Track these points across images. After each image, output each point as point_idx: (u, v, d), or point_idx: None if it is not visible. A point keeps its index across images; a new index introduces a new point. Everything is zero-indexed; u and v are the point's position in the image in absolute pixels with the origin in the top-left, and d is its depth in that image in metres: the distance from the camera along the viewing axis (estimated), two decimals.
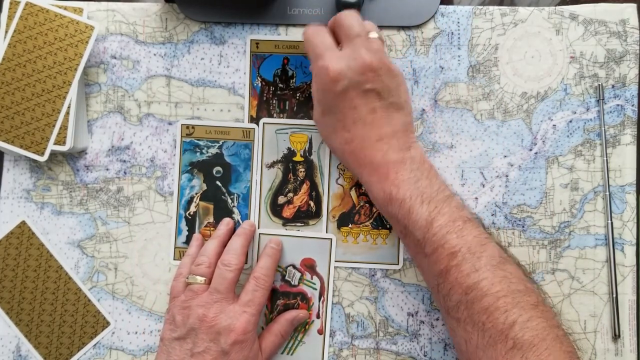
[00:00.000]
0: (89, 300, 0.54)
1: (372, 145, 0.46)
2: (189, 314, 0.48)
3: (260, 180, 0.55)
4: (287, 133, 0.55)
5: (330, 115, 0.48)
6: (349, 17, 0.47)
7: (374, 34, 0.47)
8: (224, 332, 0.46)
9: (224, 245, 0.52)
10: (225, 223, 0.54)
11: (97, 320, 0.54)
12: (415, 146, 0.47)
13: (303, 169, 0.55)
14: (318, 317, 0.54)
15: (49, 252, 0.55)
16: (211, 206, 0.55)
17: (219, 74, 0.56)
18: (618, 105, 0.54)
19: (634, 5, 0.55)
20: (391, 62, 0.47)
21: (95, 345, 0.54)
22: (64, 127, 0.52)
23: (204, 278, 0.49)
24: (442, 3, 0.55)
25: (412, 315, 0.54)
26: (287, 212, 0.55)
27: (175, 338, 0.48)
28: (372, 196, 0.47)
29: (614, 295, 0.53)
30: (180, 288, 0.50)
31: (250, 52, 0.56)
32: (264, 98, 0.56)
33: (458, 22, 0.55)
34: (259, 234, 0.55)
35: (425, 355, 0.54)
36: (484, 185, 0.55)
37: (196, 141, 0.55)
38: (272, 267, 0.51)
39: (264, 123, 0.55)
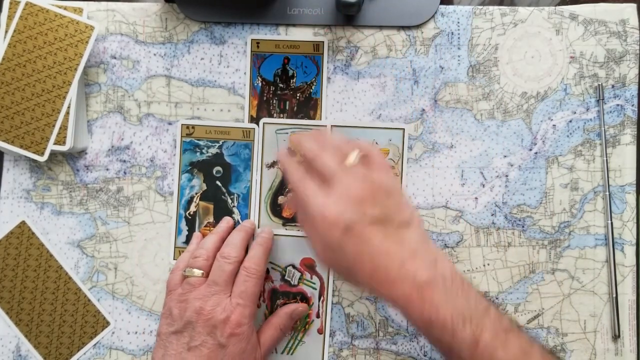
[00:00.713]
0: (89, 300, 0.54)
1: (397, 274, 0.42)
2: (186, 307, 0.47)
3: (260, 180, 0.55)
4: (287, 133, 0.55)
5: (342, 257, 0.43)
6: (321, 157, 0.44)
7: (352, 158, 0.44)
8: (220, 325, 0.46)
9: (223, 240, 0.52)
10: (226, 221, 0.54)
11: (97, 320, 0.54)
12: (440, 257, 0.44)
13: None
14: (318, 316, 0.54)
15: (49, 252, 0.55)
16: (211, 206, 0.55)
17: (219, 74, 0.56)
18: (618, 105, 0.55)
19: (634, 5, 0.55)
20: (381, 179, 0.44)
21: (95, 345, 0.54)
22: (64, 127, 0.52)
23: (202, 271, 0.49)
24: (442, 3, 0.55)
25: None
26: (287, 212, 0.55)
27: (172, 332, 0.47)
28: (411, 322, 0.44)
29: (614, 295, 0.53)
30: (177, 281, 0.50)
31: (251, 51, 0.56)
32: (264, 98, 0.56)
33: (458, 22, 0.55)
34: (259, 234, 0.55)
35: (425, 355, 0.54)
36: (484, 185, 0.55)
37: (196, 141, 0.55)
38: (263, 256, 0.50)
39: (264, 123, 0.55)
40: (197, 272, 0.49)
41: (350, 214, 0.42)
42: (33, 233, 0.55)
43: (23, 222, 0.55)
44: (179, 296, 0.48)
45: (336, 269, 0.45)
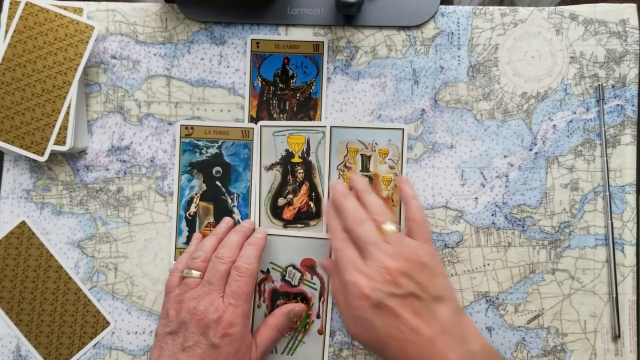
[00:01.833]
0: (89, 300, 0.54)
1: (428, 351, 0.42)
2: (181, 308, 0.47)
3: (260, 183, 0.55)
4: (284, 135, 0.55)
5: (372, 332, 0.44)
6: (360, 227, 0.46)
7: (388, 226, 0.46)
8: (213, 325, 0.46)
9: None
10: (226, 222, 0.54)
11: (97, 320, 0.54)
12: (471, 332, 0.44)
13: (302, 170, 0.55)
14: (318, 317, 0.54)
15: (49, 252, 0.55)
16: (211, 206, 0.55)
17: (219, 74, 0.56)
18: (618, 105, 0.54)
19: (634, 5, 0.55)
20: (417, 251, 0.45)
21: (95, 345, 0.54)
22: (64, 127, 0.52)
23: (199, 272, 0.49)
24: (442, 3, 0.55)
25: None
26: (288, 213, 0.55)
27: (168, 333, 0.47)
28: None
29: (614, 295, 0.53)
30: (175, 282, 0.50)
31: (251, 51, 0.56)
32: (264, 98, 0.56)
33: (458, 22, 0.55)
34: None
35: None
36: (484, 185, 0.55)
37: (195, 141, 0.55)
38: (254, 256, 0.50)
39: (261, 126, 0.55)
40: (195, 273, 0.49)
41: (382, 290, 0.43)
42: (33, 233, 0.55)
43: (23, 222, 0.55)
44: (175, 297, 0.48)
45: (366, 343, 0.45)
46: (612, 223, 0.53)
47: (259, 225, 0.55)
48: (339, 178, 0.55)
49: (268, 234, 0.54)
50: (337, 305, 0.47)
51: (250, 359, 0.48)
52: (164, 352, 0.47)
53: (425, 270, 0.44)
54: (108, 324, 0.54)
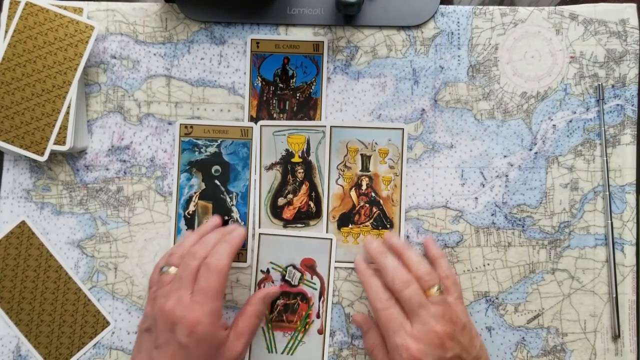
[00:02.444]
0: (89, 300, 0.54)
1: None
2: (155, 304, 0.46)
3: (260, 183, 0.55)
4: (284, 135, 0.55)
5: None
6: (407, 288, 0.46)
7: (434, 291, 0.47)
8: (179, 323, 0.43)
9: None
10: (212, 220, 0.53)
11: (97, 320, 0.54)
12: None
13: (302, 170, 0.55)
14: (318, 317, 0.54)
15: (49, 252, 0.55)
16: (210, 205, 0.55)
17: (219, 74, 0.56)
18: (618, 105, 0.54)
19: (634, 5, 0.55)
20: (458, 313, 0.47)
21: (95, 345, 0.54)
22: (63, 127, 0.52)
23: (176, 268, 0.47)
24: (442, 3, 0.55)
25: None
26: (287, 213, 0.55)
27: (145, 329, 0.46)
28: None
29: (614, 295, 0.53)
30: (154, 279, 0.49)
31: (251, 51, 0.56)
32: (264, 98, 0.56)
33: (458, 22, 0.55)
34: (259, 234, 0.54)
35: None
36: (484, 185, 0.55)
37: (195, 140, 0.55)
38: (227, 253, 0.47)
39: (261, 125, 0.55)
40: (172, 269, 0.47)
41: (432, 353, 0.44)
42: (33, 233, 0.55)
43: (23, 222, 0.55)
44: (152, 293, 0.47)
45: None
46: (612, 223, 0.53)
47: (259, 226, 0.55)
48: (340, 178, 0.55)
49: (267, 234, 0.54)
50: None
51: (227, 358, 0.46)
52: (142, 349, 0.46)
53: (465, 331, 0.47)
54: (108, 323, 0.54)
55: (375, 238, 0.53)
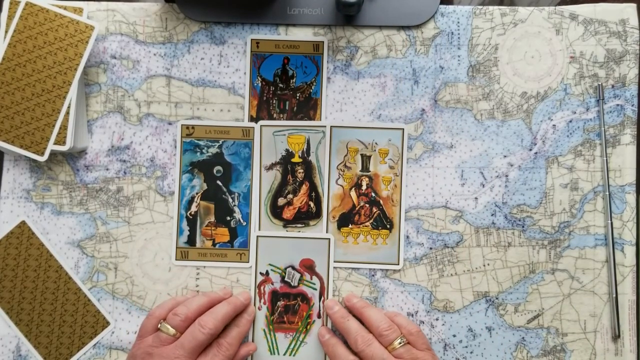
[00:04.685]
0: (89, 300, 0.54)
1: None
2: None
3: (260, 183, 0.55)
4: (284, 135, 0.55)
5: None
6: (369, 347, 0.49)
7: (397, 343, 0.49)
8: None
9: (211, 306, 0.51)
10: (223, 289, 0.54)
11: (97, 320, 0.54)
12: None
13: (302, 170, 0.55)
14: (319, 317, 0.54)
15: (49, 252, 0.55)
16: (212, 206, 0.55)
17: (219, 74, 0.56)
18: (618, 105, 0.55)
19: (634, 5, 0.55)
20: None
21: (95, 345, 0.54)
22: (63, 127, 0.52)
23: (175, 331, 0.48)
24: (442, 3, 0.55)
25: (412, 315, 0.54)
26: (288, 213, 0.55)
27: None
28: None
29: (614, 295, 0.53)
30: (149, 329, 0.49)
31: (251, 51, 0.56)
32: (264, 98, 0.56)
33: (458, 22, 0.56)
34: (257, 236, 0.55)
35: None
36: (484, 185, 0.55)
37: (196, 141, 0.55)
38: (238, 338, 0.51)
39: (261, 125, 0.55)
40: (171, 330, 0.48)
41: None
42: (33, 233, 0.55)
43: (23, 222, 0.55)
44: (146, 347, 0.48)
45: None
46: (612, 223, 0.53)
47: (259, 228, 0.55)
48: (339, 178, 0.55)
49: (267, 236, 0.55)
50: None
51: None
52: None
53: None
54: (108, 323, 0.54)
55: (335, 301, 0.54)
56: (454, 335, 0.54)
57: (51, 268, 0.54)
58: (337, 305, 0.53)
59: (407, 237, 0.55)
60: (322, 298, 0.54)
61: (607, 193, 0.54)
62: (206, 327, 0.48)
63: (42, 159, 0.52)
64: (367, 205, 0.55)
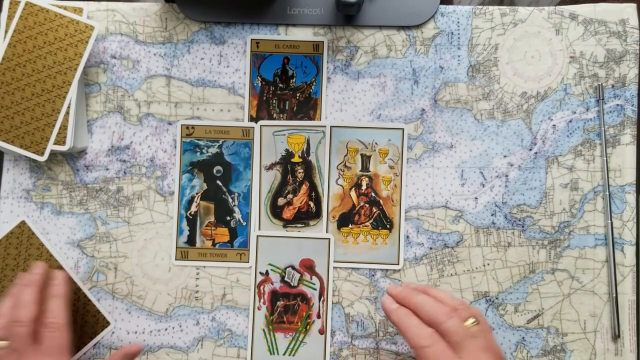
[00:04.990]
0: (89, 300, 0.54)
1: None
2: None
3: (260, 183, 0.55)
4: (284, 135, 0.55)
5: None
6: (450, 320, 0.45)
7: (470, 322, 0.45)
8: None
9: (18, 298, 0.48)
10: (19, 278, 0.50)
11: (97, 320, 0.54)
12: None
13: (302, 170, 0.55)
14: (319, 317, 0.54)
15: (49, 252, 0.55)
16: (212, 206, 0.55)
17: (219, 74, 0.56)
18: (618, 105, 0.55)
19: (634, 5, 0.55)
20: (494, 344, 0.46)
21: (95, 345, 0.54)
22: (63, 127, 0.52)
23: (6, 341, 0.46)
24: (442, 3, 0.55)
25: None
26: (287, 213, 0.55)
27: None
28: None
29: (614, 295, 0.53)
30: None
31: (251, 51, 0.56)
32: (264, 98, 0.56)
33: (458, 22, 0.55)
34: (257, 236, 0.55)
35: None
36: (484, 185, 0.55)
37: (196, 141, 0.55)
38: (62, 307, 0.48)
39: (261, 125, 0.55)
40: (2, 343, 0.46)
41: None
42: (33, 233, 0.55)
43: (23, 222, 0.55)
44: None
45: None
46: (612, 223, 0.53)
47: (259, 228, 0.55)
48: (339, 178, 0.55)
49: (266, 235, 0.54)
50: None
51: None
52: None
53: None
54: (108, 323, 0.54)
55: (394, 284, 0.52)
56: None
57: (51, 268, 0.54)
58: (400, 286, 0.50)
59: (407, 237, 0.55)
60: (322, 298, 0.54)
61: (607, 193, 0.54)
62: (22, 320, 0.46)
63: (42, 159, 0.52)
64: (367, 205, 0.55)
